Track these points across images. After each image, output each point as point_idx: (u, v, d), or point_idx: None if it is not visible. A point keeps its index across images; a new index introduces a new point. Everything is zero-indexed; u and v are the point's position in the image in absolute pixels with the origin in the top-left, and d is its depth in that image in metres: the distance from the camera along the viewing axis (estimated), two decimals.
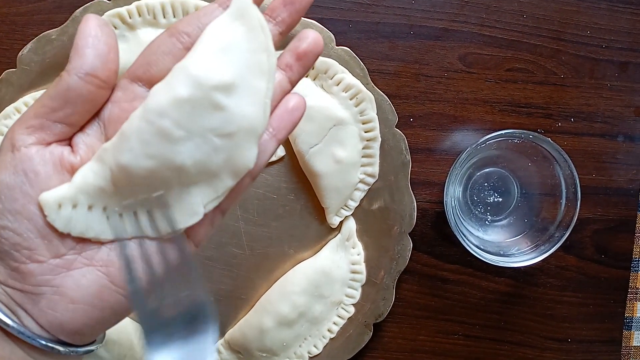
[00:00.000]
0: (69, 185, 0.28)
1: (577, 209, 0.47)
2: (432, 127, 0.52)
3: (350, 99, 0.48)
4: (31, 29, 0.47)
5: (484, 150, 0.50)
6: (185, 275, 0.30)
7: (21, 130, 0.28)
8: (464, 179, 0.51)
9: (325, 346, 0.50)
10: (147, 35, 0.45)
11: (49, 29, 0.46)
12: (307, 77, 0.48)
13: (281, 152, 0.50)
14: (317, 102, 0.48)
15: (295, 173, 0.50)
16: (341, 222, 0.51)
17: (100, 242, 0.29)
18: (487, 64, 0.51)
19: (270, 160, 0.50)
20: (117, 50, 0.28)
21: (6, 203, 0.27)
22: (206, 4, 0.46)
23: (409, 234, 0.51)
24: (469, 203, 0.52)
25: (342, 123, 0.48)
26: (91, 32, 0.27)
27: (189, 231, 0.30)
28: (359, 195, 0.50)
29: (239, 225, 0.50)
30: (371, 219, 0.51)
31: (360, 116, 0.49)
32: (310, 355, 0.50)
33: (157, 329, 0.29)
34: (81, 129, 0.29)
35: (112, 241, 0.29)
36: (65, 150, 0.28)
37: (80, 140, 0.29)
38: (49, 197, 0.27)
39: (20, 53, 0.46)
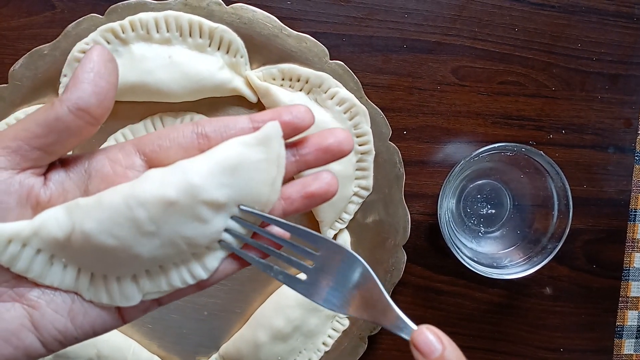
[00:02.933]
0: (28, 224, 0.27)
1: (569, 221, 0.48)
2: (426, 139, 0.52)
3: (344, 113, 0.48)
4: (23, 44, 0.47)
5: (477, 162, 0.50)
6: None
7: None
8: (457, 191, 0.52)
9: (320, 359, 0.51)
10: (141, 49, 0.45)
11: (41, 44, 0.46)
12: (300, 90, 0.48)
13: None
14: None
15: None
16: (335, 235, 0.51)
17: (35, 283, 0.28)
18: (480, 77, 0.52)
19: None
20: (116, 88, 0.28)
21: None
22: (207, 22, 0.46)
23: (403, 246, 0.51)
24: (462, 215, 0.52)
25: None
26: (94, 67, 0.27)
27: (120, 307, 0.30)
28: (353, 208, 0.50)
29: None
30: (365, 232, 0.51)
31: (354, 130, 0.49)
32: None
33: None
34: (65, 166, 0.28)
35: (47, 286, 0.28)
36: (37, 182, 0.27)
37: (58, 178, 0.28)
38: (3, 230, 0.27)
39: (12, 68, 0.45)
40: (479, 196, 0.52)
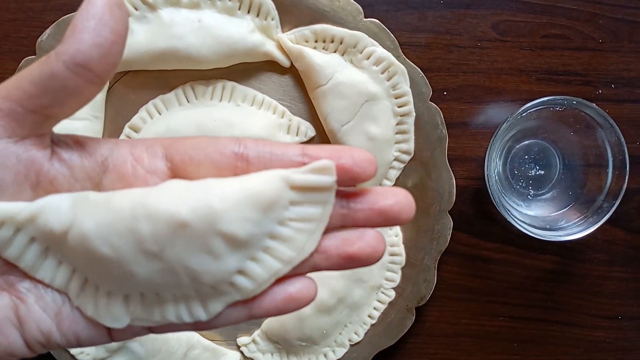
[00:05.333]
0: (25, 207, 0.23)
1: (627, 177, 0.45)
2: (467, 100, 0.49)
3: (382, 73, 0.46)
4: (49, 15, 0.45)
5: (524, 120, 0.47)
6: None
7: None
8: (503, 153, 0.49)
9: (366, 333, 0.48)
10: (169, 14, 0.44)
11: (67, 14, 0.44)
12: (335, 52, 0.46)
13: (311, 132, 0.48)
14: (348, 78, 0.46)
15: None
16: None
17: (25, 274, 0.25)
18: (522, 31, 0.49)
19: (300, 142, 0.48)
20: (124, 40, 0.23)
21: None
22: None
23: (448, 212, 0.48)
24: (509, 178, 0.49)
25: (375, 98, 0.46)
26: (97, 12, 0.22)
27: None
28: (394, 173, 0.48)
29: None
30: None
31: (393, 90, 0.46)
32: (352, 343, 0.48)
33: None
34: (81, 148, 0.24)
35: (38, 281, 0.25)
36: (40, 155, 0.23)
37: (69, 158, 0.24)
38: None
39: (39, 39, 0.44)
40: (526, 157, 0.50)
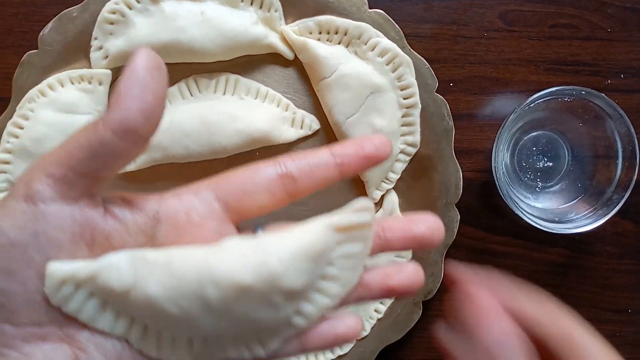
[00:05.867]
0: (85, 266, 0.25)
1: (637, 168, 0.44)
2: (474, 91, 0.49)
3: (387, 64, 0.46)
4: (51, 9, 0.45)
5: (531, 111, 0.47)
6: None
7: (41, 178, 0.24)
8: (511, 144, 0.48)
9: (373, 327, 0.48)
10: (172, 7, 0.43)
11: (68, 7, 0.44)
12: (339, 43, 0.46)
13: (316, 125, 0.47)
14: (352, 70, 0.45)
15: None
16: (382, 196, 0.48)
17: (84, 325, 0.26)
18: (529, 21, 0.48)
19: (305, 135, 0.47)
20: (164, 99, 0.24)
21: (1, 259, 0.23)
22: None
23: (455, 205, 0.48)
24: (517, 170, 0.49)
25: (380, 90, 0.46)
26: (139, 77, 0.23)
27: None
28: (400, 166, 0.47)
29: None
30: (414, 192, 0.48)
31: (398, 82, 0.46)
32: (358, 338, 0.48)
33: None
34: (129, 205, 0.26)
35: (97, 330, 0.26)
36: (94, 215, 0.25)
37: (121, 214, 0.25)
38: (57, 270, 0.24)
39: (41, 33, 0.44)
40: (534, 149, 0.49)
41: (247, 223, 0.28)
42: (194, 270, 0.24)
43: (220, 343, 0.27)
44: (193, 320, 0.25)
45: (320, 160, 0.27)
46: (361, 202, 0.26)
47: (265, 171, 0.26)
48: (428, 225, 0.27)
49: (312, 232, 0.25)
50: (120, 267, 0.25)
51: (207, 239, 0.26)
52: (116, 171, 0.25)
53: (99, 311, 0.26)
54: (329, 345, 0.27)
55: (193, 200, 0.26)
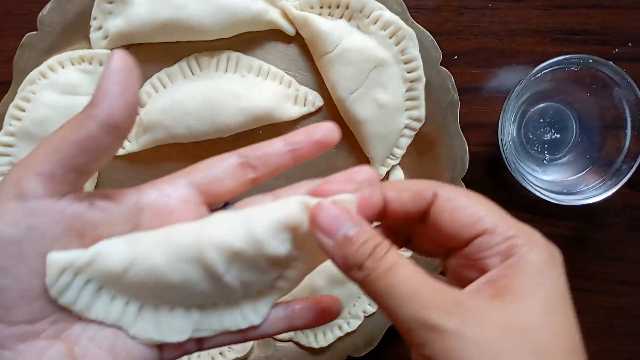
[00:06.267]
0: (82, 253, 0.26)
1: None
2: (479, 63, 0.48)
3: (390, 38, 0.45)
4: None
5: (538, 82, 0.46)
6: None
7: (30, 176, 0.25)
8: (517, 117, 0.47)
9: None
10: None
11: None
12: (341, 18, 0.45)
13: (319, 101, 0.47)
14: (355, 44, 0.45)
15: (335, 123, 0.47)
16: (388, 173, 0.48)
17: (76, 317, 0.27)
18: None
19: (308, 112, 0.47)
20: (139, 97, 0.27)
21: None
22: None
23: (461, 180, 0.47)
24: (524, 142, 0.48)
25: (383, 64, 0.45)
26: (120, 76, 0.25)
27: (162, 344, 0.28)
28: (405, 142, 0.47)
29: (280, 184, 0.47)
30: (420, 167, 0.48)
31: (402, 55, 0.45)
32: (366, 315, 0.48)
33: None
34: (112, 199, 0.27)
35: (91, 321, 0.27)
36: (81, 207, 0.26)
37: (105, 206, 0.27)
38: (57, 259, 0.25)
39: (40, 14, 0.43)
40: (541, 121, 0.48)
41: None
42: (192, 239, 0.26)
43: (216, 311, 0.28)
44: (193, 286, 0.27)
45: (274, 149, 0.29)
46: (344, 196, 0.27)
47: (229, 160, 0.29)
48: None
49: (288, 206, 0.27)
50: (117, 250, 0.26)
51: (189, 219, 0.28)
52: (99, 166, 0.27)
53: (93, 298, 0.27)
54: (317, 317, 0.30)
55: (169, 188, 0.28)
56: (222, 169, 0.29)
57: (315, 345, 0.48)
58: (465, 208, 0.27)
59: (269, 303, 0.29)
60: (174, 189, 0.28)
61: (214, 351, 0.47)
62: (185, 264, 0.26)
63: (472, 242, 0.27)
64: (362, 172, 0.29)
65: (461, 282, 0.27)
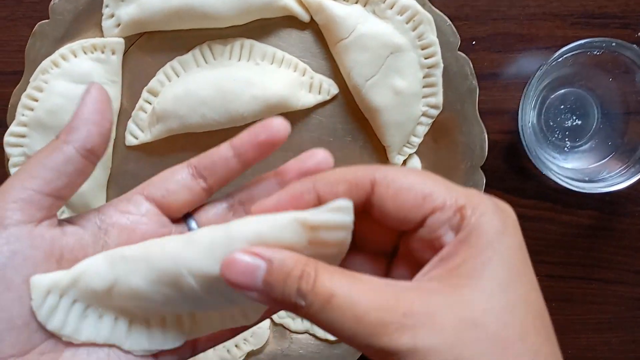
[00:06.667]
0: (65, 274, 0.26)
1: None
2: (497, 49, 0.47)
3: (407, 23, 0.44)
4: None
5: (559, 67, 0.45)
6: None
7: (7, 204, 0.25)
8: (537, 103, 0.46)
9: None
10: None
11: None
12: (356, 3, 0.44)
13: (334, 89, 0.46)
14: (371, 29, 0.44)
15: (351, 112, 0.46)
16: (405, 161, 0.47)
17: (65, 344, 0.27)
18: None
19: (323, 100, 0.46)
20: (112, 124, 0.28)
21: None
22: None
23: (480, 167, 0.46)
24: (544, 129, 0.47)
25: (400, 50, 0.44)
26: (97, 106, 0.27)
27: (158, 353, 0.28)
28: (422, 130, 0.46)
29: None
30: (437, 156, 0.47)
31: (419, 41, 0.44)
32: None
33: None
34: (75, 223, 0.28)
35: (79, 345, 0.27)
36: (57, 234, 0.27)
37: (74, 231, 0.27)
38: (41, 281, 0.25)
39: (52, 2, 0.43)
40: (562, 107, 0.47)
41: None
42: (171, 262, 0.26)
43: (207, 318, 0.28)
44: (178, 303, 0.27)
45: (220, 156, 0.29)
46: (339, 202, 0.24)
47: (181, 173, 0.29)
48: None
49: (280, 225, 0.24)
50: (98, 268, 0.27)
51: (154, 232, 0.28)
52: (74, 191, 0.28)
53: (81, 318, 0.27)
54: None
55: (127, 205, 0.29)
56: (174, 181, 0.29)
57: (330, 338, 0.47)
58: (409, 189, 0.25)
59: (259, 314, 0.28)
60: (132, 206, 0.29)
61: (230, 344, 0.47)
62: (166, 287, 0.26)
63: (424, 223, 0.25)
64: (314, 155, 0.28)
65: (419, 267, 0.25)
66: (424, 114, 0.46)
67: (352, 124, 0.46)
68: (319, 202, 0.26)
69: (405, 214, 0.25)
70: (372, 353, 0.23)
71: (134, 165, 0.46)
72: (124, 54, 0.45)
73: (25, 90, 0.43)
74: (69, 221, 0.28)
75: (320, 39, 0.46)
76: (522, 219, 0.48)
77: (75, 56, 0.43)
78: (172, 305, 0.27)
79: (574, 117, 0.47)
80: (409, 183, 0.25)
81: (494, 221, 0.24)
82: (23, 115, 0.43)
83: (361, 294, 0.23)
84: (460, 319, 0.23)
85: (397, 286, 0.24)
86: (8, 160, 0.44)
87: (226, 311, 0.28)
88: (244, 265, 0.24)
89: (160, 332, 0.28)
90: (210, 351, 0.46)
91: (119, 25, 0.44)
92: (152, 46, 0.45)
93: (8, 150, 0.43)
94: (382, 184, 0.25)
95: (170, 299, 0.26)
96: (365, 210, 0.26)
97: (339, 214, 0.24)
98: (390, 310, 0.22)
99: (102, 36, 0.44)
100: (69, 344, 0.26)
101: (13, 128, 0.43)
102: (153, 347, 0.28)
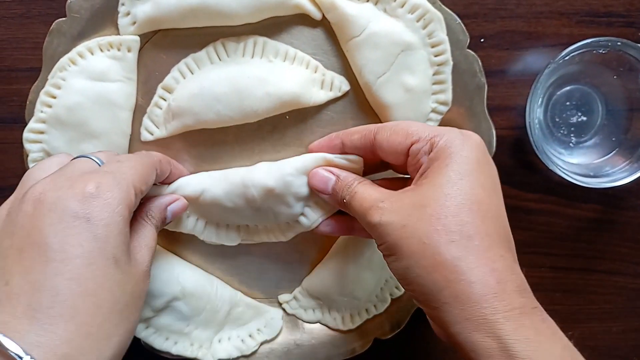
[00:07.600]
0: (169, 186, 0.43)
1: None
2: (505, 46, 0.48)
3: (417, 21, 0.45)
4: None
5: (565, 65, 0.46)
6: None
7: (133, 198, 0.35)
8: (544, 100, 0.48)
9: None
10: None
11: None
12: (368, 1, 0.45)
13: (346, 86, 0.47)
14: (382, 28, 0.44)
15: (362, 108, 0.47)
16: None
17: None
18: None
19: (335, 97, 0.47)
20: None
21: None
22: None
23: None
24: (550, 125, 0.48)
25: (410, 48, 0.45)
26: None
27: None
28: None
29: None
30: None
31: (429, 39, 0.45)
32: (393, 297, 0.48)
33: None
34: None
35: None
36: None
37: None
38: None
39: (68, 0, 0.43)
40: (567, 103, 0.48)
41: None
42: (242, 179, 0.42)
43: (256, 231, 0.46)
44: (241, 211, 0.43)
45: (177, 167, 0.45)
46: (352, 156, 0.42)
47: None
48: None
49: (314, 159, 0.42)
50: (192, 180, 0.43)
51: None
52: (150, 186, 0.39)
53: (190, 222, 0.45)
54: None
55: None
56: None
57: (343, 328, 0.48)
58: (398, 131, 0.37)
59: (293, 234, 0.45)
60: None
61: (244, 334, 0.48)
62: (235, 197, 0.42)
63: (408, 153, 0.37)
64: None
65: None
66: (433, 111, 0.47)
67: (364, 120, 0.47)
68: (343, 146, 0.42)
69: (395, 148, 0.37)
70: (367, 227, 0.36)
71: None
72: (139, 51, 0.45)
73: (43, 87, 0.44)
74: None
75: (331, 36, 0.46)
76: (529, 212, 0.50)
77: (92, 54, 0.44)
78: (238, 213, 0.43)
79: (579, 114, 0.48)
80: (399, 128, 0.38)
81: (456, 141, 0.35)
82: (42, 112, 0.44)
83: (368, 193, 0.37)
84: (412, 203, 0.34)
85: (389, 192, 0.36)
86: (27, 156, 0.44)
87: (270, 228, 0.45)
88: (322, 176, 0.41)
89: (225, 233, 0.46)
90: (225, 340, 0.47)
91: (134, 23, 0.44)
92: (167, 43, 0.46)
93: (27, 146, 0.44)
94: (380, 131, 0.39)
95: (238, 207, 0.43)
96: (374, 152, 0.39)
97: (351, 157, 0.41)
98: (376, 201, 0.36)
99: (118, 34, 0.45)
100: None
101: (32, 125, 0.44)
102: (219, 242, 0.46)
